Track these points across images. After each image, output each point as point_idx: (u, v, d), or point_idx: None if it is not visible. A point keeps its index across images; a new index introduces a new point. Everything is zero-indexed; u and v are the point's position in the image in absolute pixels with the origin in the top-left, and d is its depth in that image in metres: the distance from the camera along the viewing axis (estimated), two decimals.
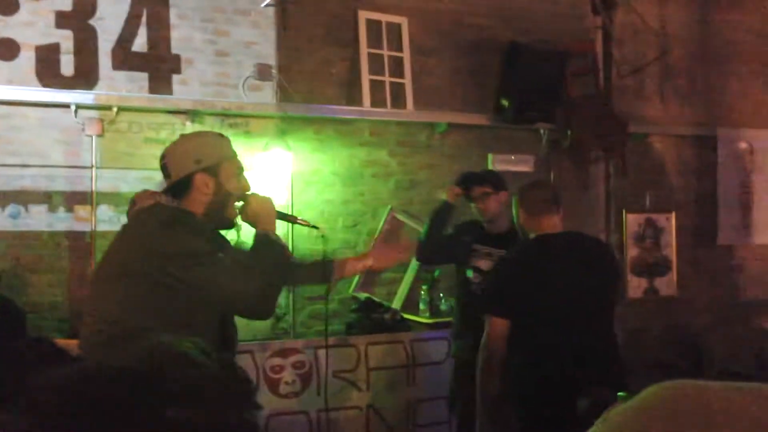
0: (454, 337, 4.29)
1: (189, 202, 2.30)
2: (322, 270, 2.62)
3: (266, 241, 2.30)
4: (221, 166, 2.33)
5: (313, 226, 2.73)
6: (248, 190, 2.40)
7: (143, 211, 2.29)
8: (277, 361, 4.29)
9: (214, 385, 0.70)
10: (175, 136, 4.92)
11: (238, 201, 2.38)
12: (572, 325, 2.98)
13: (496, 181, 4.21)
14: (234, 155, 2.40)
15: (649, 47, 6.43)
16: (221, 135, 2.45)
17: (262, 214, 2.35)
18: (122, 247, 2.29)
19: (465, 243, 4.08)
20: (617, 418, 0.68)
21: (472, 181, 4.20)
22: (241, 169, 2.41)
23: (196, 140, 2.42)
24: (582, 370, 2.85)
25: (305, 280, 2.88)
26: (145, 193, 2.38)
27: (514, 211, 3.31)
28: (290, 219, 2.72)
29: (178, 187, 2.32)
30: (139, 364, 0.69)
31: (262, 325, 5.06)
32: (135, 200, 2.37)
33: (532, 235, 3.18)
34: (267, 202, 2.39)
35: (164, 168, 2.36)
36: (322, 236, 2.78)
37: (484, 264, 4.02)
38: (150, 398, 0.63)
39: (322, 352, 4.39)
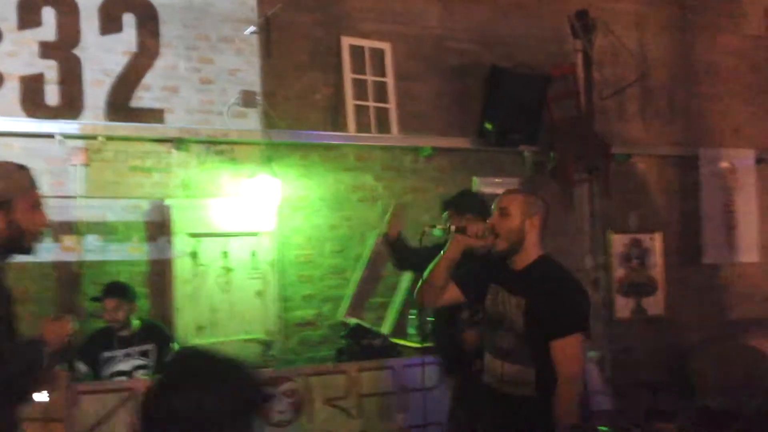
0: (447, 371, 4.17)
1: None
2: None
3: (38, 356, 2.23)
4: (13, 201, 2.28)
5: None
6: (44, 225, 2.36)
7: None
8: (267, 389, 4.24)
9: None
10: (162, 164, 4.95)
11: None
12: None
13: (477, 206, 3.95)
14: (29, 188, 2.33)
15: (629, 69, 6.53)
16: (21, 167, 2.35)
17: (53, 339, 2.29)
18: None
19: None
20: None
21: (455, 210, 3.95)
22: (37, 203, 2.34)
23: None
24: None
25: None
26: None
27: (522, 217, 2.88)
28: None
29: None
30: None
31: (252, 352, 5.02)
32: None
33: (536, 252, 2.91)
34: (57, 326, 2.34)
35: None
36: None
37: None
38: None
39: (313, 380, 4.35)
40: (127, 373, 4.34)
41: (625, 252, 6.56)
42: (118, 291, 4.42)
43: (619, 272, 6.50)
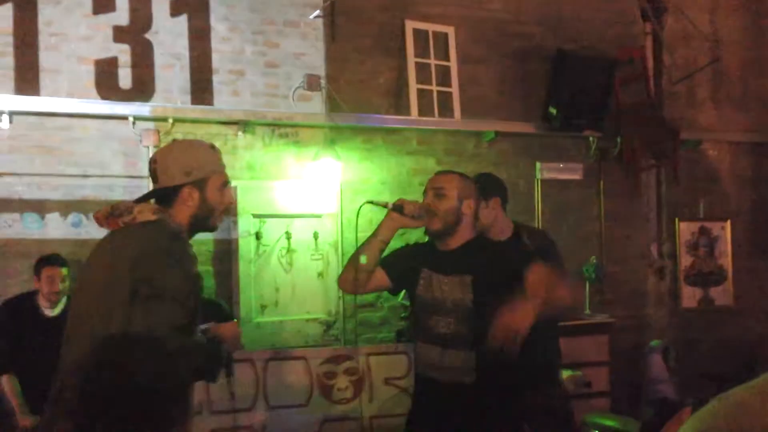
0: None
1: (174, 211, 2.31)
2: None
3: (218, 354, 2.26)
4: (209, 180, 2.33)
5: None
6: (232, 203, 2.41)
7: (136, 228, 2.24)
8: (329, 367, 4.32)
9: None
10: (228, 146, 5.07)
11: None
12: None
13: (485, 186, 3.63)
14: (222, 169, 2.39)
15: (700, 53, 6.34)
16: (213, 147, 2.42)
17: (230, 339, 2.35)
18: (113, 263, 2.19)
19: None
20: (735, 396, 0.68)
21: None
22: (226, 183, 2.40)
23: (188, 151, 2.37)
24: None
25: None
26: (147, 206, 2.33)
27: (458, 198, 2.78)
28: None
29: (164, 194, 2.32)
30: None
31: (313, 332, 5.11)
32: (134, 209, 2.28)
33: (470, 233, 2.81)
34: (234, 328, 2.41)
35: (153, 172, 2.34)
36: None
37: None
38: None
39: (373, 359, 4.41)
40: None
41: (692, 240, 6.40)
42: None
43: (686, 261, 6.35)
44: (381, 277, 2.84)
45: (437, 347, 2.70)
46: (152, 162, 2.35)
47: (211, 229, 2.42)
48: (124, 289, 2.08)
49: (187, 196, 2.29)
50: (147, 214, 2.26)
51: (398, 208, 2.74)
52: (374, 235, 2.78)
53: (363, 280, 2.81)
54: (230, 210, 2.46)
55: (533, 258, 2.66)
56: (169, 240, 2.20)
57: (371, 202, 2.88)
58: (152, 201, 2.37)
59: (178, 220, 2.29)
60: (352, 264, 2.81)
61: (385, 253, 2.86)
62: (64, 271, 4.19)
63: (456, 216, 2.74)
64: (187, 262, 2.21)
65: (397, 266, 2.84)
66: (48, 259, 4.21)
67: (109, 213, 2.29)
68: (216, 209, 2.35)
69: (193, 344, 2.20)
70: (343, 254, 5.14)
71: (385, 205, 2.80)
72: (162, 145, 4.87)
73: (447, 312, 2.70)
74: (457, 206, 2.74)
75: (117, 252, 2.20)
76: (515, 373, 2.62)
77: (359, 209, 2.94)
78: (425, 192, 2.82)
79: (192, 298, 2.17)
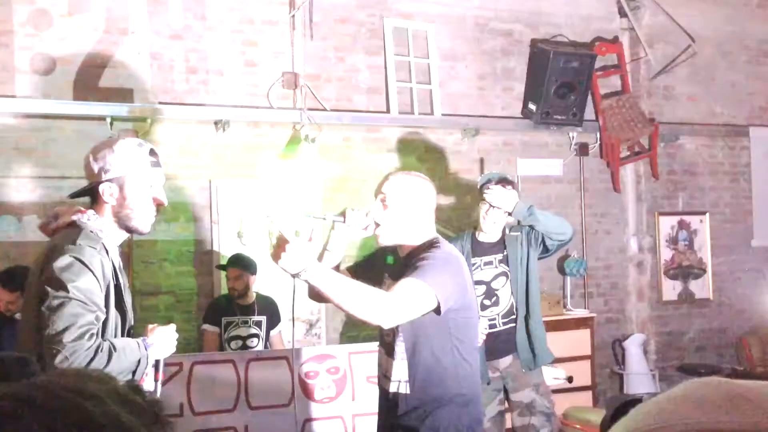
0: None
1: (98, 209, 2.28)
2: None
3: (139, 356, 2.19)
4: (128, 179, 2.25)
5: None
6: (161, 204, 2.31)
7: (58, 234, 2.24)
8: (312, 366, 4.31)
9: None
10: (207, 146, 5.04)
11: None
12: None
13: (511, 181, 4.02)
14: (146, 167, 2.28)
15: (677, 47, 6.38)
16: (140, 144, 2.32)
17: (159, 342, 2.28)
18: (35, 268, 2.22)
19: None
20: (646, 407, 0.69)
21: (485, 183, 3.95)
22: (149, 184, 2.29)
23: (108, 147, 2.28)
24: None
25: None
26: (69, 210, 2.28)
27: (403, 205, 2.60)
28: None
29: (88, 191, 2.30)
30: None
31: (295, 331, 5.10)
32: (58, 214, 2.29)
33: (423, 237, 2.62)
34: (166, 332, 2.32)
35: (85, 168, 2.30)
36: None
37: (487, 274, 3.92)
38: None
39: (355, 357, 4.41)
40: (242, 338, 4.63)
41: (672, 234, 6.45)
42: (241, 262, 4.66)
43: (666, 255, 6.40)
44: None
45: (385, 355, 2.66)
46: (86, 158, 2.31)
47: (137, 231, 2.33)
48: (36, 295, 2.12)
49: (106, 194, 2.25)
50: (67, 218, 2.25)
51: (339, 219, 2.60)
52: (324, 247, 2.63)
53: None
54: (159, 212, 2.38)
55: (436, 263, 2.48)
56: (75, 240, 2.15)
57: (309, 216, 2.66)
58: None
59: (102, 217, 2.27)
60: None
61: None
62: (16, 295, 4.02)
63: (402, 223, 2.58)
64: (96, 259, 2.15)
65: (365, 273, 2.71)
66: (3, 280, 4.10)
67: (43, 222, 2.32)
68: (135, 209, 2.27)
69: (111, 344, 2.13)
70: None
71: (324, 218, 2.64)
72: None
73: None
74: (402, 213, 2.57)
75: (37, 258, 2.24)
76: (447, 387, 2.51)
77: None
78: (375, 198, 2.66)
79: (105, 296, 2.16)
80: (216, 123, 5.03)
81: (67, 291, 2.06)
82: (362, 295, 2.34)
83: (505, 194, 3.84)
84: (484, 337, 3.64)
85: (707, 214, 6.52)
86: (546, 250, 3.96)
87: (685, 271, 6.46)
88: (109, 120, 4.76)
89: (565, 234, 3.89)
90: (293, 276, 2.27)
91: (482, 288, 3.87)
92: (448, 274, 2.47)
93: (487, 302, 3.89)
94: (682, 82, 6.50)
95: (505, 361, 3.88)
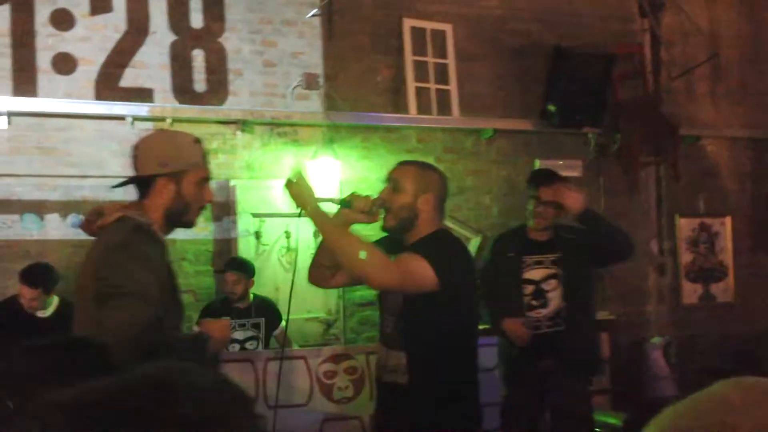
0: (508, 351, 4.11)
1: (149, 203, 2.23)
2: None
3: (201, 352, 2.15)
4: (186, 174, 2.23)
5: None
6: (211, 201, 2.32)
7: (106, 229, 2.20)
8: (329, 366, 4.30)
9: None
10: (227, 146, 5.06)
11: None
12: None
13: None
14: (203, 164, 2.28)
15: (699, 48, 6.33)
16: (197, 140, 2.31)
17: (216, 337, 2.25)
18: (86, 268, 2.19)
19: None
20: (682, 407, 0.68)
21: (544, 179, 3.81)
22: (206, 179, 2.29)
23: (168, 141, 2.31)
24: None
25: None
26: (114, 205, 2.28)
27: (414, 193, 2.57)
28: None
29: (140, 184, 2.25)
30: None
31: (313, 331, 5.11)
32: (103, 211, 2.25)
33: (430, 229, 2.59)
34: (222, 326, 2.32)
35: (133, 159, 2.26)
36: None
37: (538, 274, 3.83)
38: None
39: (373, 358, 4.39)
40: (240, 342, 4.62)
41: (693, 237, 6.39)
42: (239, 266, 4.69)
43: (686, 257, 6.34)
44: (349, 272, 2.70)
45: (384, 348, 2.63)
46: (133, 149, 2.28)
47: (187, 226, 2.33)
48: (91, 292, 2.07)
49: (162, 188, 2.21)
50: (113, 213, 2.21)
51: (347, 203, 2.58)
52: (327, 232, 2.56)
53: (326, 275, 2.74)
54: (208, 208, 2.37)
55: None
56: (129, 235, 2.12)
57: (318, 199, 2.64)
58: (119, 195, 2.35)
59: (151, 212, 2.22)
60: (314, 260, 2.75)
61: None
62: (38, 292, 4.11)
63: (411, 211, 2.55)
64: (151, 254, 2.14)
65: None
66: (25, 278, 4.13)
67: (86, 221, 2.28)
68: (191, 205, 2.26)
69: (171, 340, 2.11)
70: None
71: (331, 200, 2.68)
72: None
73: (392, 311, 2.61)
74: (412, 202, 2.54)
75: (87, 257, 2.20)
76: (442, 377, 2.48)
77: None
78: (384, 183, 2.66)
79: (160, 292, 2.12)
80: (235, 123, 5.05)
81: (125, 287, 2.02)
82: (361, 245, 2.40)
83: (573, 194, 3.60)
84: (530, 335, 3.62)
85: (729, 217, 6.45)
86: (600, 261, 3.82)
87: (706, 273, 6.39)
88: (129, 120, 4.79)
89: (621, 252, 3.70)
90: (299, 211, 2.46)
91: (531, 287, 3.79)
92: (452, 261, 2.48)
93: (534, 303, 3.78)
94: (703, 83, 6.45)
95: (546, 364, 3.77)
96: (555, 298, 3.78)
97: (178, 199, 2.23)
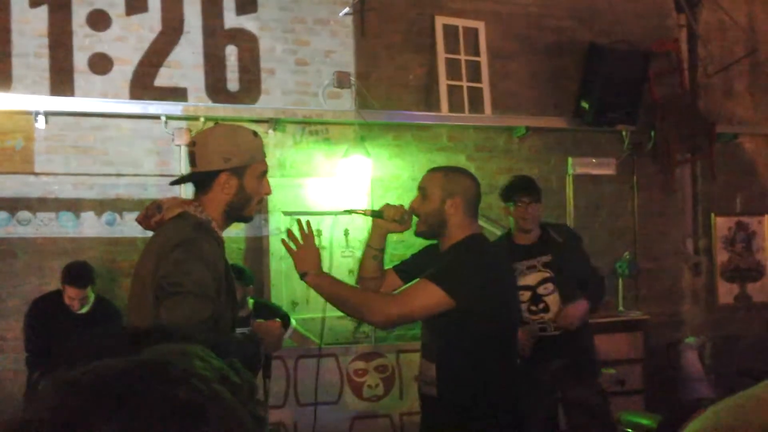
0: None
1: (209, 198, 2.23)
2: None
3: (255, 352, 2.17)
4: (248, 168, 2.24)
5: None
6: (269, 194, 2.33)
7: (166, 225, 2.21)
8: (360, 364, 4.33)
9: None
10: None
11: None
12: None
13: (537, 189, 3.87)
14: (262, 157, 2.30)
15: (736, 45, 6.21)
16: (255, 134, 2.31)
17: (270, 338, 2.29)
18: (145, 262, 2.19)
19: None
20: (725, 405, 0.67)
21: (516, 191, 3.84)
22: (265, 172, 2.31)
23: (230, 136, 2.27)
24: None
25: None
26: (174, 201, 2.28)
27: (441, 198, 2.59)
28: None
29: (201, 179, 2.25)
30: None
31: (344, 330, 5.12)
32: (162, 206, 2.25)
33: (462, 233, 2.59)
34: (276, 327, 2.35)
35: (191, 155, 2.25)
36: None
37: (532, 279, 3.79)
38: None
39: (404, 357, 4.41)
40: None
41: (729, 235, 6.28)
42: (238, 274, 4.58)
43: (722, 256, 6.24)
44: (393, 281, 2.78)
45: (422, 358, 2.64)
46: (191, 144, 2.27)
47: (246, 219, 2.36)
48: (151, 289, 2.08)
49: (224, 183, 2.21)
50: (173, 209, 2.22)
51: (378, 214, 2.68)
52: (366, 243, 2.76)
53: (372, 288, 2.76)
54: (263, 201, 2.40)
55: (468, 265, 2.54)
56: (189, 233, 2.14)
57: (351, 211, 2.81)
58: (177, 191, 2.36)
59: (211, 207, 2.23)
60: (357, 275, 2.83)
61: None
62: (85, 291, 4.18)
63: (439, 217, 2.58)
64: (211, 253, 2.15)
65: (410, 270, 2.76)
66: (72, 278, 4.18)
67: (144, 216, 2.28)
68: (253, 198, 2.27)
69: (227, 340, 2.13)
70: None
71: (364, 213, 2.77)
72: None
73: (426, 322, 2.62)
74: (439, 207, 2.57)
75: (146, 254, 2.21)
76: (472, 389, 2.46)
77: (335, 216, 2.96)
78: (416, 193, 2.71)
79: (218, 290, 2.13)
80: (268, 121, 5.08)
81: (185, 285, 2.03)
82: (356, 299, 2.51)
83: (568, 315, 3.67)
84: (533, 343, 3.61)
85: (766, 216, 6.33)
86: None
87: (742, 273, 6.28)
88: (164, 119, 4.85)
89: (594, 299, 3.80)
90: (300, 276, 2.53)
91: (528, 293, 3.76)
92: (473, 273, 2.46)
93: (534, 308, 3.77)
94: (740, 80, 6.32)
95: (557, 365, 3.78)
96: (554, 301, 3.76)
97: (241, 193, 2.23)
